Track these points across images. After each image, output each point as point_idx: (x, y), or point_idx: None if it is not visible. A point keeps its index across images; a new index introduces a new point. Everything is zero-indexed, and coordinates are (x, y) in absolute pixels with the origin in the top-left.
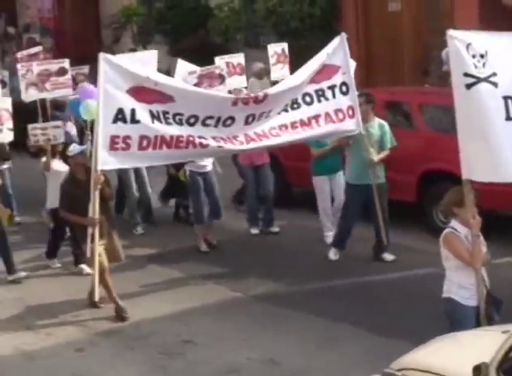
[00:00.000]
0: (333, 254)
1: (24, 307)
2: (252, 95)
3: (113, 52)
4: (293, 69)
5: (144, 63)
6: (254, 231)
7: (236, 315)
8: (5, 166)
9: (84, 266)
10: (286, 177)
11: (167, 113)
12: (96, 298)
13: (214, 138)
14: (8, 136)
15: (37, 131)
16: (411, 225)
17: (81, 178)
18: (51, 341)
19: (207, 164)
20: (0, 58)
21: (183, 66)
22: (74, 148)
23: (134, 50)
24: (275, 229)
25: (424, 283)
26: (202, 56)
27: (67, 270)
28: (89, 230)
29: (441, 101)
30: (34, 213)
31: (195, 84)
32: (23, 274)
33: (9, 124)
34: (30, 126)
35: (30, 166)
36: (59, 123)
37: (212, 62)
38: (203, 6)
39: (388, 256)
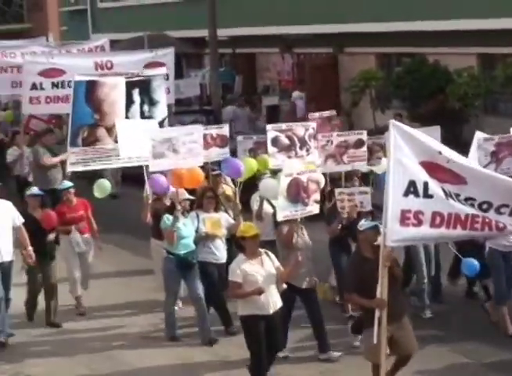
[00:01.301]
0: None
1: None
2: None
3: (352, 117)
4: None
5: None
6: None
7: None
8: None
9: (335, 354)
10: None
11: (459, 195)
12: None
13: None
14: (315, 209)
15: (344, 197)
16: None
17: (369, 256)
18: None
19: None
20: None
21: (479, 135)
22: (366, 222)
23: (399, 115)
24: None
25: None
26: (440, 122)
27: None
28: (376, 313)
29: None
30: None
31: (492, 152)
32: (336, 354)
33: (317, 196)
34: (337, 190)
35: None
36: (367, 189)
37: (451, 127)
38: (443, 71)
39: None
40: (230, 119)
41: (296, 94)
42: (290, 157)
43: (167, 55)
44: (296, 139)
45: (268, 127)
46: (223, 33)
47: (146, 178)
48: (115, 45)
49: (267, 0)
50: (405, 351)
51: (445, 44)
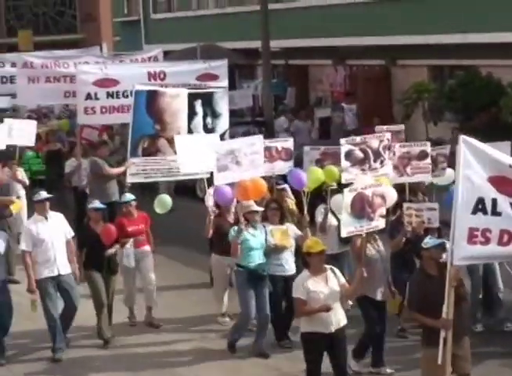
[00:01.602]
0: None
1: None
2: None
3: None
4: None
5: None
6: None
7: None
8: None
9: (388, 370)
10: None
11: None
12: None
13: None
14: (381, 224)
15: (412, 212)
16: None
17: (433, 274)
18: None
19: None
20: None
21: None
22: (431, 240)
23: (457, 129)
24: None
25: None
26: (493, 135)
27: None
28: (442, 334)
29: None
30: None
31: None
32: (388, 371)
33: (382, 210)
34: (405, 205)
35: None
36: (435, 205)
37: (504, 140)
38: (496, 84)
39: None
40: (292, 132)
41: (346, 106)
42: (363, 170)
43: (221, 67)
44: (370, 152)
45: (342, 141)
46: (276, 44)
47: (205, 190)
48: (167, 56)
49: (320, 11)
50: (461, 370)
51: (498, 56)
